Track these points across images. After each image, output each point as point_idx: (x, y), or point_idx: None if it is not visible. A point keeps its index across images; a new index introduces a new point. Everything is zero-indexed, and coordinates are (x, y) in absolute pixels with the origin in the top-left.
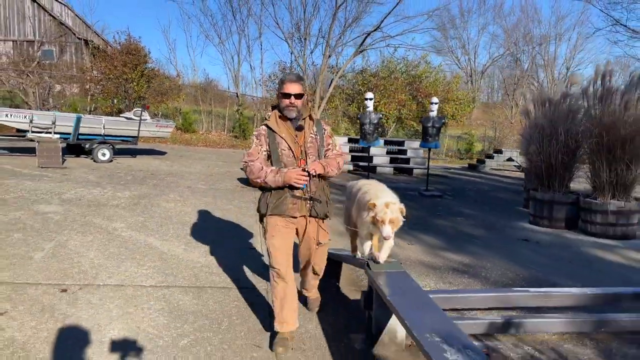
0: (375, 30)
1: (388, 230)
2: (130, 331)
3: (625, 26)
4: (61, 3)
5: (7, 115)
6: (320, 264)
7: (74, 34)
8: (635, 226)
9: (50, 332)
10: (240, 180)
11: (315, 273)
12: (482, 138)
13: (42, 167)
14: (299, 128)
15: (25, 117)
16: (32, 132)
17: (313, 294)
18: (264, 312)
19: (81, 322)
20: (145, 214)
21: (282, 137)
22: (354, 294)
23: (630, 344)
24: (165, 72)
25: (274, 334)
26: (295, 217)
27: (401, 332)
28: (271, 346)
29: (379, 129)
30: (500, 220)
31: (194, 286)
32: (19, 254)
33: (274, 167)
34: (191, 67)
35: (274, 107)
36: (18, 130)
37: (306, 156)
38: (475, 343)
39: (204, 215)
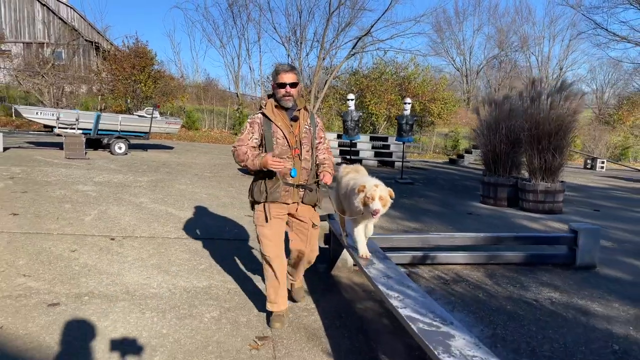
0: (365, 35)
1: (378, 204)
2: (163, 263)
3: (606, 29)
4: (67, 5)
5: (37, 113)
6: (314, 249)
7: (82, 37)
8: (560, 203)
9: (110, 260)
10: (240, 170)
11: (308, 262)
12: (468, 136)
13: (68, 158)
14: (294, 118)
15: (53, 114)
16: (59, 127)
17: (298, 282)
18: (257, 253)
19: (129, 256)
20: (163, 192)
21: (277, 126)
22: (320, 243)
23: (509, 270)
24: (171, 73)
25: (269, 313)
26: (288, 204)
27: (350, 260)
28: (269, 323)
29: (360, 125)
30: (456, 200)
31: (206, 238)
32: (73, 217)
33: (256, 152)
34: (194, 68)
35: (269, 96)
36: (45, 126)
37: (301, 145)
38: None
39: (211, 193)
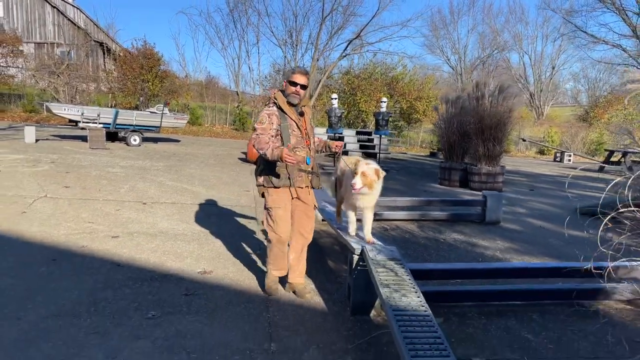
0: (355, 38)
1: (358, 180)
2: (184, 217)
3: (585, 32)
4: (74, 6)
5: (65, 110)
6: (312, 227)
7: (90, 37)
8: (500, 183)
9: (146, 215)
10: (240, 159)
11: (307, 239)
12: None
13: (92, 149)
14: (301, 114)
15: (78, 111)
16: (83, 122)
17: (301, 282)
18: (250, 214)
19: (159, 214)
20: (178, 174)
21: (292, 120)
22: None
23: (436, 224)
24: (175, 72)
25: (268, 280)
26: (302, 188)
27: (320, 216)
28: (266, 287)
29: (342, 120)
30: (419, 183)
31: (214, 204)
32: (111, 189)
33: (277, 144)
34: (197, 68)
35: (279, 91)
36: (70, 121)
37: (309, 137)
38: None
39: (216, 175)
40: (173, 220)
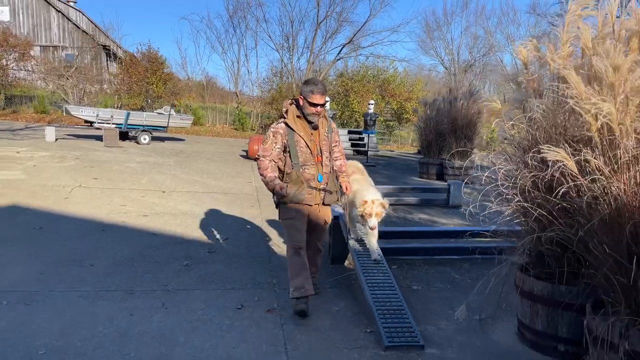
0: (348, 43)
1: (374, 221)
2: (199, 202)
3: None
4: (76, 9)
5: (81, 111)
6: (323, 237)
7: (94, 40)
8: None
9: (167, 201)
10: (241, 155)
11: (317, 247)
12: None
13: (107, 147)
14: (315, 127)
15: (93, 112)
16: (98, 122)
17: (317, 277)
18: (253, 200)
19: (177, 199)
20: (188, 168)
21: (300, 136)
22: None
23: (408, 207)
24: (177, 75)
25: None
26: (311, 205)
27: None
28: (297, 307)
29: (336, 120)
30: (401, 176)
31: (223, 193)
32: (133, 180)
33: (275, 175)
34: (197, 70)
35: (293, 101)
36: (86, 122)
37: (321, 153)
38: None
39: (221, 170)
40: (190, 204)
